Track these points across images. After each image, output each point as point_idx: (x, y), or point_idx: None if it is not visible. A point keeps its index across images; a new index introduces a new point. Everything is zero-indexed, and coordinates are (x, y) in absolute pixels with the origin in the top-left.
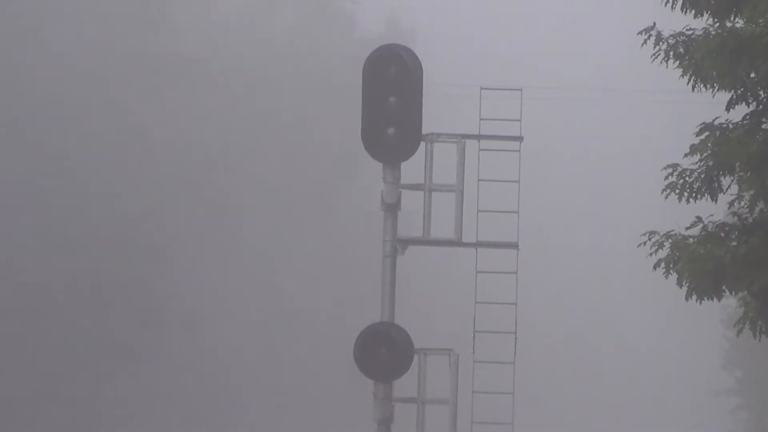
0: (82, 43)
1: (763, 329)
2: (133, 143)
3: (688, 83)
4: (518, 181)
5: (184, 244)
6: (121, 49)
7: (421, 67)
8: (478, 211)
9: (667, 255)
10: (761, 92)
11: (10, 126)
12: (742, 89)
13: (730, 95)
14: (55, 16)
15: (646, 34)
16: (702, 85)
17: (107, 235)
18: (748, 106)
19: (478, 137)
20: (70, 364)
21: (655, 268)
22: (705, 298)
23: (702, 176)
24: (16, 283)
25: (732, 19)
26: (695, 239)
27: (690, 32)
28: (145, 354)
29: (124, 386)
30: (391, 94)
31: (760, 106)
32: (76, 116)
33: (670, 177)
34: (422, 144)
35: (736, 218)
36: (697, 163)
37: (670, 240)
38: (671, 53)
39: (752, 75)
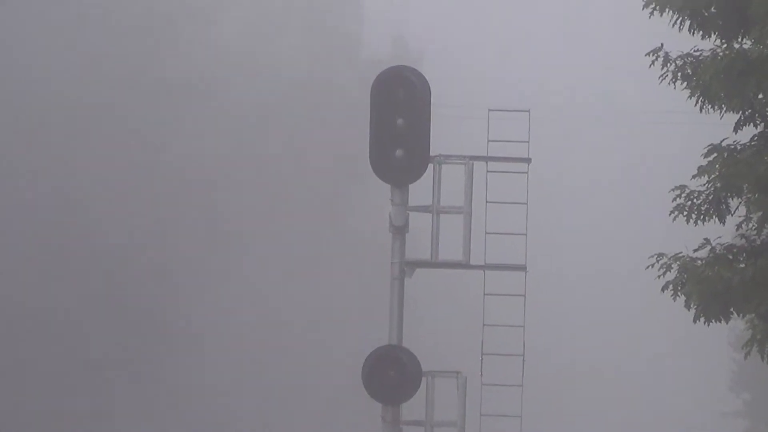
0: (85, 67)
1: None
2: (137, 164)
3: (696, 104)
4: (526, 203)
5: (188, 264)
6: (124, 72)
7: (429, 88)
8: (486, 233)
9: (675, 277)
10: None
11: (14, 148)
12: (750, 110)
13: (738, 116)
14: (60, 38)
15: (653, 55)
16: (710, 106)
17: (111, 255)
18: (756, 128)
19: (486, 159)
20: (73, 381)
21: (663, 290)
22: (713, 321)
23: (710, 198)
24: (18, 301)
25: (740, 40)
26: (703, 261)
27: (698, 53)
28: (146, 374)
29: (127, 403)
30: (399, 116)
31: None
32: (78, 138)
33: (678, 199)
34: (430, 165)
35: (744, 240)
36: (705, 184)
37: (677, 262)
38: (679, 74)
39: (760, 96)
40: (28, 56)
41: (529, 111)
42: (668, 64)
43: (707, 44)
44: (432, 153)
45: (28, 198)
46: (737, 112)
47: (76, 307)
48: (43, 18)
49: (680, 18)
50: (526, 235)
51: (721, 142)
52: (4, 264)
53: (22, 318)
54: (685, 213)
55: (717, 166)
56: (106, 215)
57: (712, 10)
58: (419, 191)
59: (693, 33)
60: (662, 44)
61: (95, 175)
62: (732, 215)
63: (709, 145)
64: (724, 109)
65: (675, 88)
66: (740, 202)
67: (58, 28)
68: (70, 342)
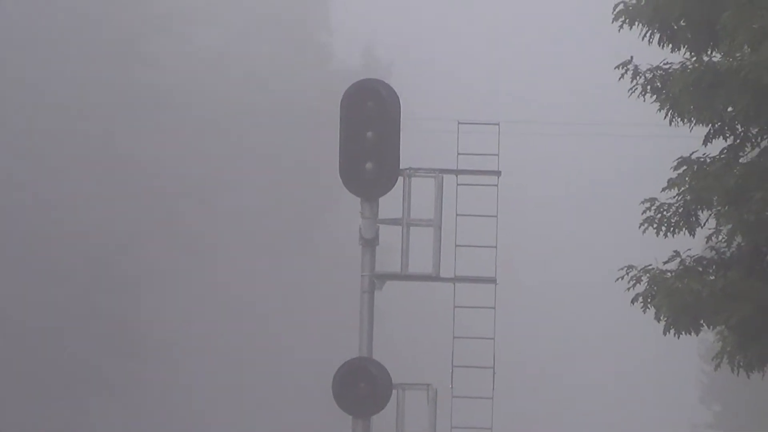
0: (59, 76)
1: (741, 363)
2: (109, 175)
3: (665, 117)
4: (496, 216)
5: (160, 276)
6: (98, 82)
7: (399, 101)
8: (456, 245)
9: (645, 289)
10: (738, 126)
11: None
12: (719, 123)
13: (707, 129)
14: (34, 49)
15: (623, 68)
16: (679, 119)
17: (82, 266)
18: (726, 140)
19: (456, 172)
20: (46, 393)
21: (632, 302)
22: (683, 333)
23: (680, 210)
24: None
25: (709, 53)
26: (673, 273)
27: (667, 66)
28: (119, 386)
29: (99, 418)
30: (368, 129)
31: (738, 140)
32: (52, 148)
33: (647, 211)
34: (400, 179)
35: (713, 252)
36: (675, 197)
37: (647, 274)
38: (648, 87)
39: (729, 109)
40: (10, 62)
41: (498, 124)
42: (638, 77)
43: (677, 57)
44: (402, 166)
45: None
46: (707, 125)
47: (50, 313)
48: (25, 23)
49: (650, 31)
50: (496, 247)
51: (691, 154)
52: None
53: None
54: (655, 225)
55: (687, 178)
56: (81, 222)
57: (682, 23)
58: (389, 204)
59: (663, 46)
60: (632, 57)
61: (70, 182)
62: (702, 228)
63: (679, 158)
64: (694, 121)
65: (645, 100)
66: (710, 215)
67: (39, 34)
68: (43, 350)
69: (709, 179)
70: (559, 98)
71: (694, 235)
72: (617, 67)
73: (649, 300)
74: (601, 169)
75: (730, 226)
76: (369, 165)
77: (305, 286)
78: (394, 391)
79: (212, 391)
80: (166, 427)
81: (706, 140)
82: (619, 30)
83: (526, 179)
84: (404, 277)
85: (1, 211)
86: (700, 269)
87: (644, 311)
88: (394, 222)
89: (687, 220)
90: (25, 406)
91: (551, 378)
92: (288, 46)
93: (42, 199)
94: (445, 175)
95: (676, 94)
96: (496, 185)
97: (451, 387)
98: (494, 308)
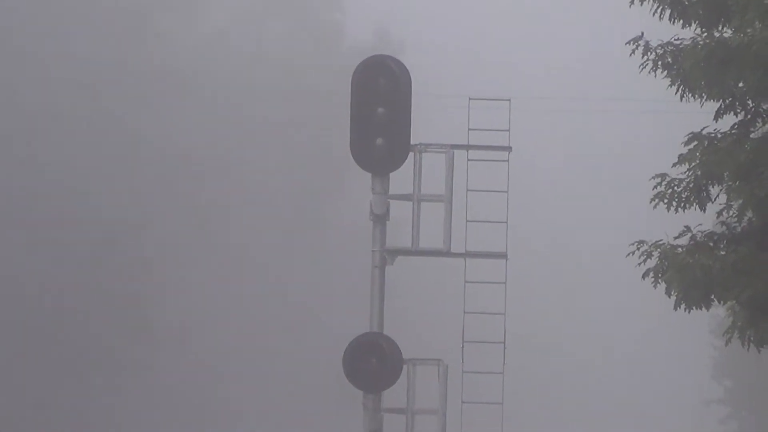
0: (72, 55)
1: (752, 338)
2: (123, 153)
3: (676, 93)
4: (507, 191)
5: (173, 255)
6: (112, 61)
7: (410, 77)
8: (466, 221)
9: (656, 264)
10: (749, 102)
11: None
12: (730, 99)
13: (718, 105)
14: (46, 28)
15: (634, 44)
16: (690, 94)
17: (96, 245)
18: (737, 116)
19: (467, 147)
20: (58, 375)
21: (643, 277)
22: (694, 308)
23: (690, 186)
24: (3, 293)
25: (720, 28)
26: (684, 249)
27: (678, 42)
28: (133, 366)
29: (113, 398)
30: (379, 105)
31: (748, 116)
32: (66, 126)
33: (658, 186)
34: (411, 154)
35: (724, 228)
36: (685, 172)
37: (658, 249)
38: (659, 63)
39: (740, 85)
40: (21, 39)
41: (509, 100)
42: (649, 53)
43: (688, 33)
44: (413, 142)
45: (7, 192)
46: (717, 101)
47: (63, 295)
48: (27, 10)
49: (661, 7)
50: (506, 223)
51: (702, 130)
52: None
53: (3, 308)
54: (666, 200)
55: (698, 154)
56: (91, 208)
57: None
58: (400, 180)
59: (673, 22)
60: (642, 33)
61: (81, 162)
62: (713, 203)
63: (690, 134)
64: (705, 97)
65: (655, 76)
66: (721, 190)
67: (50, 10)
68: (56, 331)
69: (720, 154)
70: (570, 74)
71: (704, 211)
72: (628, 42)
73: (660, 275)
74: (611, 144)
75: (741, 201)
76: (380, 141)
77: (316, 262)
78: (404, 367)
79: (225, 368)
80: (180, 406)
81: (717, 116)
82: (630, 5)
83: (536, 154)
84: (415, 252)
85: (13, 194)
86: (711, 244)
87: (655, 286)
88: (404, 197)
89: (698, 196)
90: (37, 386)
91: (562, 353)
92: (300, 23)
93: (53, 181)
94: (455, 151)
95: (686, 69)
96: (507, 161)
97: (462, 362)
98: (505, 283)
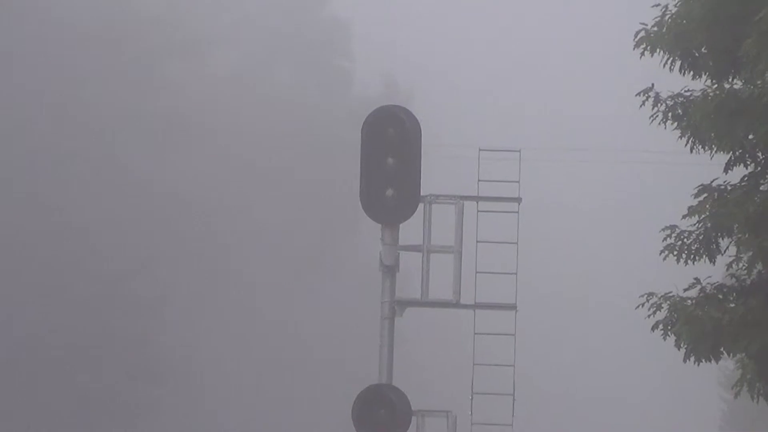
0: (79, 99)
1: (761, 391)
2: (131, 198)
3: (686, 144)
4: (516, 243)
5: (180, 299)
6: (120, 106)
7: (420, 127)
8: (476, 272)
9: (665, 316)
10: (759, 154)
11: (8, 179)
12: (740, 151)
13: (728, 157)
14: (56, 72)
15: (644, 95)
16: (700, 146)
17: (103, 288)
18: (747, 168)
19: (477, 198)
20: (65, 419)
21: (653, 329)
22: (703, 360)
23: (700, 238)
24: (11, 336)
25: (730, 80)
26: (693, 301)
27: (688, 93)
28: (140, 409)
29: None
30: (389, 155)
31: (759, 168)
32: (73, 171)
33: (668, 238)
34: (421, 205)
35: (734, 280)
36: (695, 224)
37: (668, 301)
38: (670, 114)
39: (750, 137)
40: (30, 84)
41: (519, 151)
42: (659, 104)
43: (698, 84)
44: (422, 192)
45: (14, 233)
46: (727, 153)
47: (69, 339)
48: (45, 47)
49: (671, 58)
50: (516, 274)
51: (712, 182)
52: None
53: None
54: (676, 252)
55: (707, 206)
56: (100, 245)
57: (703, 50)
58: (410, 230)
59: (684, 73)
60: (653, 84)
61: (88, 205)
62: (722, 255)
63: (700, 186)
64: (715, 149)
65: (666, 128)
66: (730, 242)
67: (60, 57)
68: (63, 376)
69: (730, 206)
70: (581, 125)
71: (714, 263)
72: (638, 94)
73: (669, 327)
74: (621, 195)
75: (750, 253)
76: (390, 191)
77: (325, 312)
78: (413, 418)
79: (231, 414)
80: None
81: (727, 167)
82: (640, 57)
83: (546, 206)
84: (424, 303)
85: (18, 236)
86: (721, 297)
87: (664, 338)
88: (414, 248)
89: (707, 248)
90: (43, 428)
91: (571, 404)
92: (309, 71)
93: (59, 223)
94: (465, 202)
95: (697, 121)
96: (517, 212)
97: (471, 414)
98: (514, 335)
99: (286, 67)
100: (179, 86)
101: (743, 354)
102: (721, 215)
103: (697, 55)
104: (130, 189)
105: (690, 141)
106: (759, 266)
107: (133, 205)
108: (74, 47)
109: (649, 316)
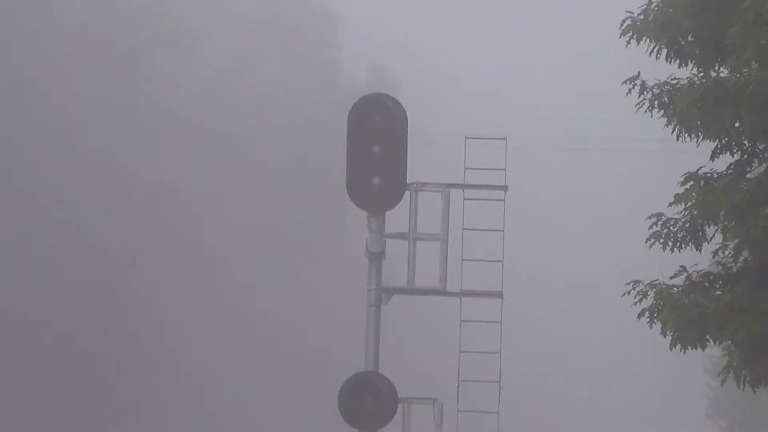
0: (66, 91)
1: (748, 378)
2: (121, 192)
3: (672, 132)
4: (503, 230)
5: (170, 293)
6: (108, 99)
7: (406, 115)
8: (462, 260)
9: (651, 304)
10: (746, 142)
11: None
12: (726, 139)
13: (714, 145)
14: (41, 65)
15: (630, 83)
16: (686, 134)
17: (93, 283)
18: (733, 156)
19: (463, 186)
20: (55, 414)
21: (639, 317)
22: (689, 348)
23: (686, 226)
24: (1, 334)
25: (716, 68)
26: (679, 288)
27: (674, 81)
28: (131, 404)
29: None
30: (375, 143)
31: (745, 156)
32: (65, 166)
33: (654, 226)
34: (407, 193)
35: (720, 267)
36: (681, 212)
37: (654, 289)
38: (656, 103)
39: (737, 124)
40: (17, 77)
41: (506, 139)
42: (645, 93)
43: (684, 72)
44: (409, 180)
45: (4, 230)
46: (714, 141)
47: (58, 333)
48: (32, 38)
49: (657, 46)
50: (502, 262)
51: (698, 170)
52: None
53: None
54: (662, 240)
55: (693, 194)
56: (89, 240)
57: (689, 39)
58: (396, 218)
59: (670, 61)
60: (639, 72)
61: (76, 199)
62: (708, 243)
63: (686, 174)
64: (701, 137)
65: (652, 116)
66: (717, 230)
67: (46, 49)
68: (53, 371)
69: (716, 194)
70: (567, 113)
71: (700, 250)
72: (624, 82)
73: (655, 315)
74: (607, 183)
75: (736, 241)
76: (376, 179)
77: (312, 300)
78: (400, 405)
79: (220, 406)
80: None
81: (714, 156)
82: (626, 45)
83: (532, 194)
84: (411, 291)
85: (8, 230)
86: (707, 284)
87: (651, 326)
88: (400, 236)
89: (693, 235)
90: (34, 424)
91: (556, 392)
92: (297, 62)
93: (47, 217)
94: (452, 190)
95: (683, 109)
96: (503, 200)
97: (457, 401)
98: (500, 322)
99: (274, 58)
100: (167, 78)
101: (729, 341)
102: (708, 203)
103: (683, 43)
104: (120, 182)
105: (676, 129)
106: (745, 254)
107: (123, 198)
108: (62, 40)
109: (635, 303)
